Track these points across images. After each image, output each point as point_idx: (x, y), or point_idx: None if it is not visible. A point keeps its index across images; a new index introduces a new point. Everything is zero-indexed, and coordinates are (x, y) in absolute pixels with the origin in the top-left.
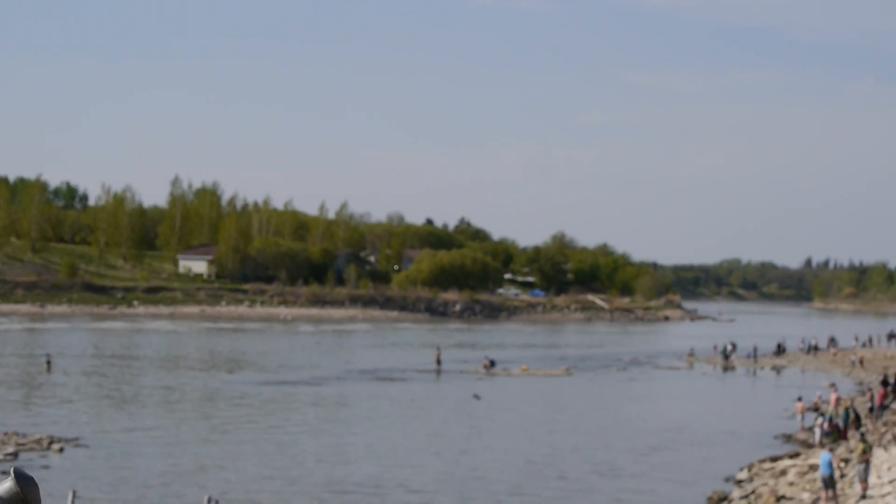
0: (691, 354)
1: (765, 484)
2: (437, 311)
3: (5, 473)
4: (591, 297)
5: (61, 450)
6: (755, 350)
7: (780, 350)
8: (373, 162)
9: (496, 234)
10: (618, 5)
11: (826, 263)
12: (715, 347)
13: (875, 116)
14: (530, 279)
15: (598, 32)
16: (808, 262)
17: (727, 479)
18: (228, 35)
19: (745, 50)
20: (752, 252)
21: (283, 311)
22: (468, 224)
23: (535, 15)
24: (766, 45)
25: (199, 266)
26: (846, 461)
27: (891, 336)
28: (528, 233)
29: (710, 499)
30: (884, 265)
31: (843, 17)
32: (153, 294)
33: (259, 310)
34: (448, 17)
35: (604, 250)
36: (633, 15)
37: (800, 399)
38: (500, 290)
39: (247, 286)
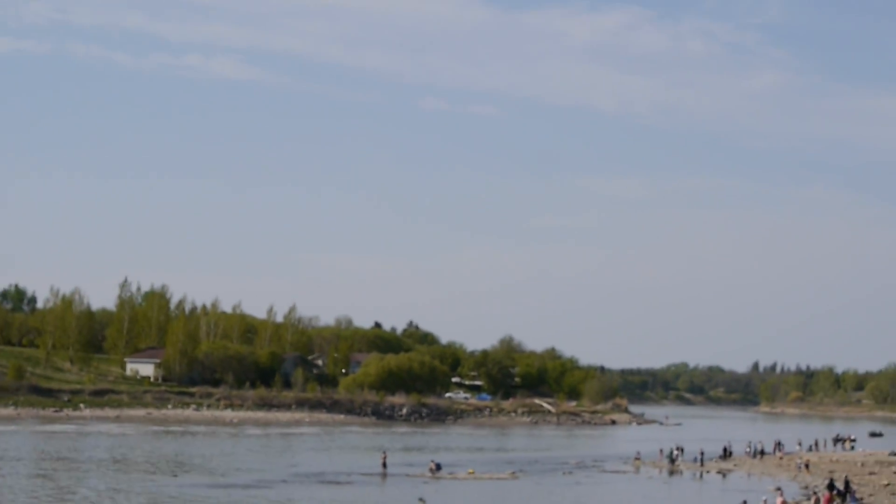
0: (638, 458)
1: None
2: (384, 415)
3: None
4: (538, 400)
5: None
6: (702, 454)
7: (726, 454)
8: (321, 265)
9: (444, 337)
10: (570, 111)
11: (773, 367)
12: (661, 451)
13: (824, 222)
14: (478, 383)
15: (550, 138)
16: (756, 366)
17: None
18: (178, 144)
19: (695, 156)
20: (699, 356)
21: (229, 414)
22: (416, 327)
23: (489, 120)
24: (715, 151)
25: (147, 369)
26: None
27: (837, 440)
28: (477, 336)
29: None
30: (830, 369)
31: (791, 125)
32: (100, 397)
33: (206, 413)
34: (403, 121)
35: (551, 354)
36: (586, 121)
37: (745, 503)
38: (450, 394)
39: (194, 389)
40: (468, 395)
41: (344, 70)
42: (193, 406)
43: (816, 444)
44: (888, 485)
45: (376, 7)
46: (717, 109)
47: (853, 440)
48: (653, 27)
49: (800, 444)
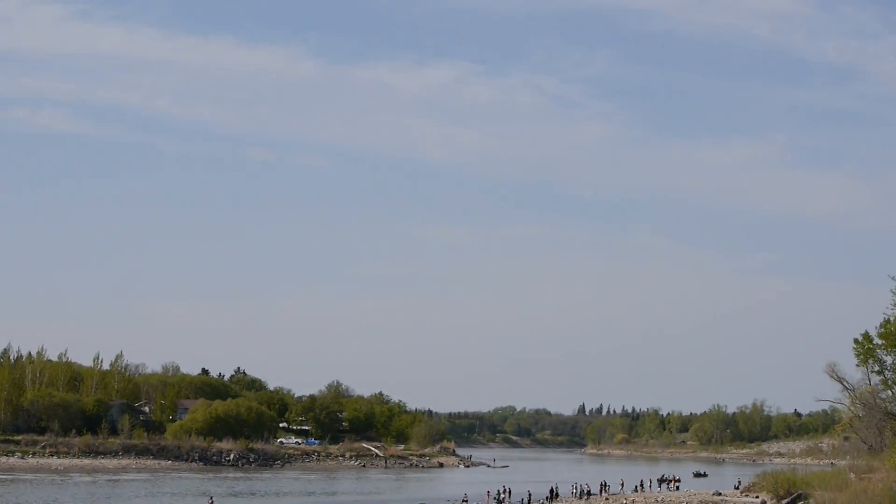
0: (465, 500)
1: None
2: (212, 460)
3: None
4: (366, 444)
5: None
6: (529, 495)
7: (553, 495)
8: (148, 312)
9: (272, 383)
10: (400, 163)
11: (599, 410)
12: (489, 493)
13: (648, 268)
14: (306, 427)
15: (380, 188)
16: (582, 409)
17: None
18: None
19: (523, 205)
20: (526, 399)
21: (55, 461)
22: (244, 374)
23: (318, 171)
24: (543, 200)
25: None
26: None
27: (662, 480)
28: (304, 382)
29: None
30: (655, 411)
31: (616, 174)
32: None
33: (31, 461)
34: (231, 171)
35: (379, 399)
36: (415, 172)
37: None
38: (282, 440)
39: (19, 437)
40: (300, 440)
41: (173, 122)
42: (19, 454)
43: (642, 484)
44: None
45: (205, 60)
46: (546, 160)
47: (678, 480)
48: (481, 81)
49: (622, 485)
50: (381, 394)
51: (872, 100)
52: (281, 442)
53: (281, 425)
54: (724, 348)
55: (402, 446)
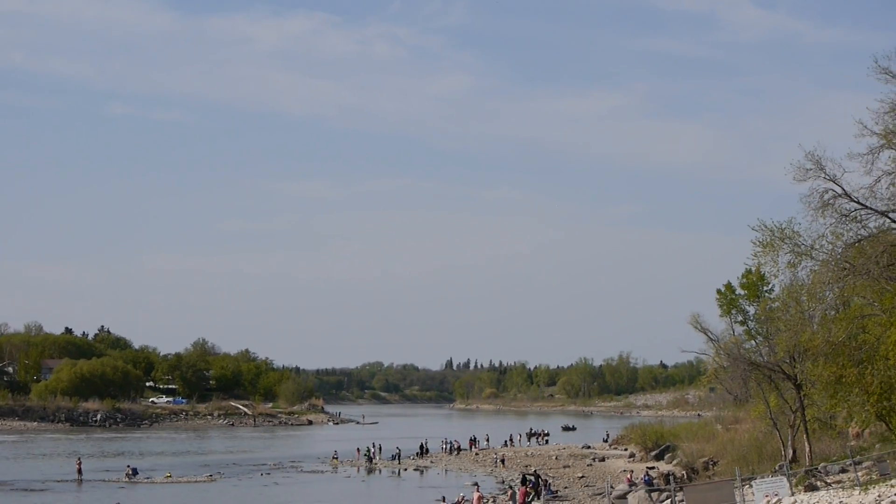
0: (335, 457)
1: None
2: (79, 421)
3: None
4: (233, 403)
5: None
6: (398, 451)
7: (422, 451)
8: (9, 271)
9: (137, 342)
10: (259, 116)
11: (467, 365)
12: (358, 450)
13: (512, 221)
14: (172, 387)
15: (239, 142)
16: (449, 364)
17: None
18: None
19: (385, 158)
20: (393, 355)
21: None
22: (108, 332)
23: (177, 125)
24: (405, 153)
25: None
26: None
27: (531, 434)
28: (170, 341)
29: None
30: (523, 365)
31: (477, 126)
32: None
33: None
34: (90, 127)
35: (245, 356)
36: (274, 125)
37: (443, 499)
38: (153, 399)
39: None
40: (170, 399)
41: (27, 76)
42: None
43: (511, 438)
44: (582, 477)
45: (59, 13)
46: (406, 112)
47: (547, 434)
48: (338, 32)
49: (487, 440)
50: (247, 351)
51: (730, 48)
52: (152, 402)
53: (147, 384)
54: (590, 301)
55: (270, 404)
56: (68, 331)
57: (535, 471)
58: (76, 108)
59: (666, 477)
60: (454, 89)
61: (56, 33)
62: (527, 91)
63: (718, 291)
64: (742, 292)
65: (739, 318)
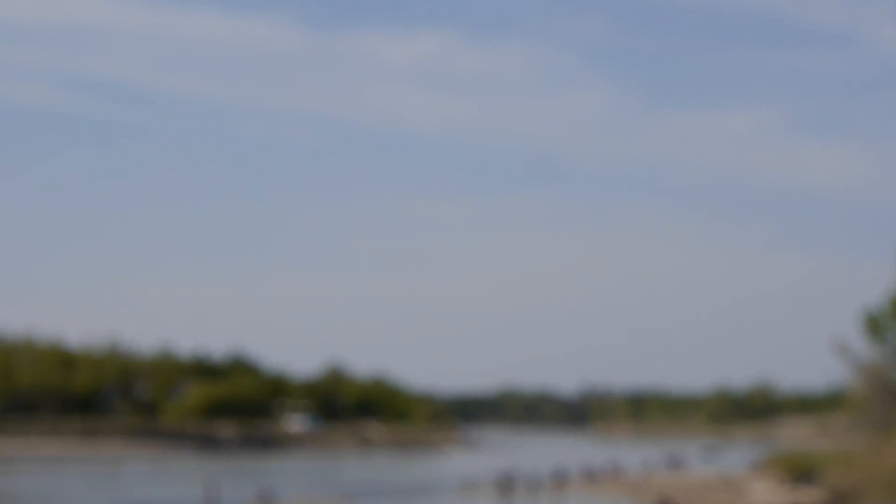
0: (470, 483)
1: None
2: (210, 443)
3: None
4: (366, 426)
5: None
6: (535, 477)
7: (560, 476)
8: (142, 293)
9: (270, 363)
10: (391, 134)
11: (604, 390)
12: (495, 475)
13: (647, 242)
14: (305, 409)
15: (371, 161)
16: (587, 389)
17: None
18: None
19: (519, 178)
20: (530, 380)
21: (49, 446)
22: (241, 354)
23: (308, 144)
24: (537, 171)
25: None
26: None
27: (669, 460)
28: (303, 362)
29: None
30: (661, 391)
31: (614, 146)
32: None
33: (24, 446)
34: (219, 146)
35: (380, 380)
36: (407, 144)
37: None
38: (290, 419)
39: (11, 423)
40: (300, 421)
41: (158, 94)
42: (11, 440)
43: (649, 465)
44: None
45: (190, 31)
46: (540, 131)
47: (685, 461)
48: (472, 50)
49: (625, 466)
50: (382, 374)
51: (874, 65)
52: (287, 423)
53: (280, 407)
54: (727, 324)
55: (404, 428)
56: (200, 352)
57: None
58: (206, 127)
59: None
60: (588, 108)
61: (187, 51)
62: (662, 110)
63: (862, 315)
64: (887, 316)
65: (884, 343)
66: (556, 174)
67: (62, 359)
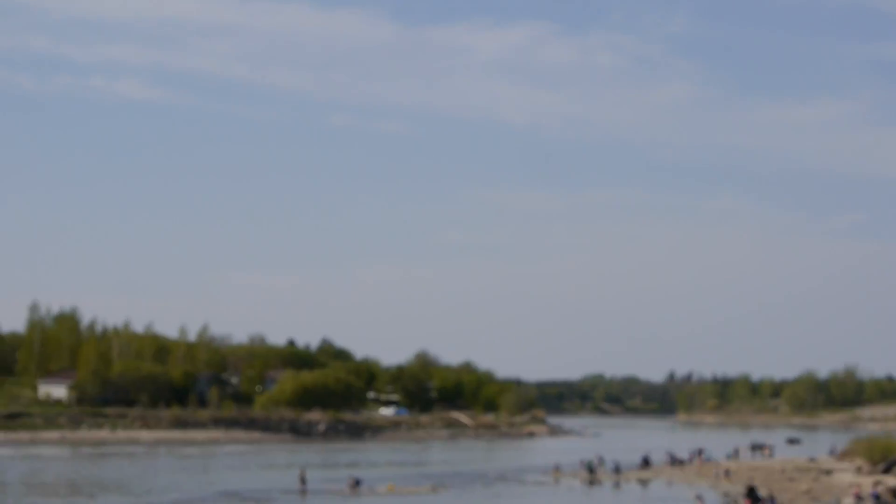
0: (557, 469)
1: None
2: (301, 432)
3: None
4: (455, 414)
5: None
6: (617, 464)
7: (645, 463)
8: (233, 284)
9: (359, 353)
10: (479, 126)
11: (689, 377)
12: (582, 462)
13: (734, 231)
14: (394, 398)
15: (460, 153)
16: (672, 376)
17: None
18: (83, 165)
19: (604, 169)
20: (615, 367)
21: (145, 434)
22: (330, 344)
23: (398, 136)
24: (625, 163)
25: (59, 391)
26: None
27: (755, 447)
28: (391, 351)
29: None
30: (746, 377)
31: (699, 136)
32: (12, 420)
33: (121, 434)
34: (311, 138)
35: (467, 368)
36: (495, 136)
37: None
38: (383, 410)
39: (108, 410)
40: (391, 408)
41: (250, 88)
42: (108, 427)
43: (735, 451)
44: (808, 491)
45: (281, 26)
46: (626, 122)
47: (771, 447)
48: (560, 41)
49: (700, 453)
50: (469, 362)
51: None
52: (381, 413)
53: (369, 396)
54: (814, 311)
55: (491, 415)
56: (291, 342)
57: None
58: (297, 120)
59: (894, 492)
60: (675, 98)
61: (278, 46)
62: (749, 99)
63: None
64: None
65: None
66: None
67: (157, 349)
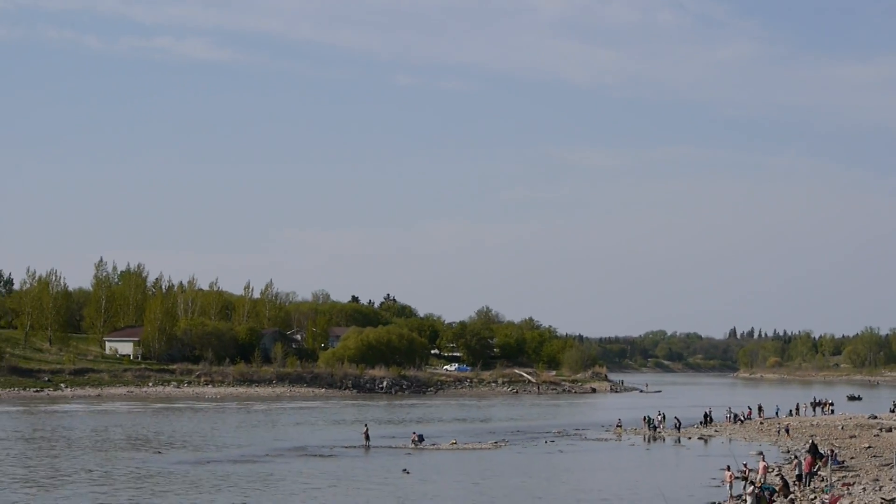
0: (619, 425)
1: None
2: (365, 388)
3: None
4: (517, 370)
5: None
6: (678, 421)
7: (707, 420)
8: (297, 241)
9: (422, 310)
10: (542, 85)
11: (750, 333)
12: (644, 418)
13: (795, 188)
14: (457, 354)
15: (522, 111)
16: (733, 333)
17: None
18: (150, 125)
19: (667, 126)
20: (676, 324)
21: (210, 390)
22: (393, 301)
23: (461, 95)
24: (687, 121)
25: (126, 347)
26: None
27: (816, 404)
28: (454, 308)
29: None
30: (807, 334)
31: (761, 93)
32: (80, 376)
33: (186, 389)
34: (376, 97)
35: (529, 324)
36: (558, 94)
37: (728, 468)
38: (447, 368)
39: (174, 366)
40: (455, 365)
41: (316, 48)
42: (174, 383)
43: (797, 408)
44: (869, 447)
45: None
46: (689, 80)
47: (832, 404)
48: (622, 0)
49: (760, 409)
50: (531, 319)
51: None
52: (446, 370)
53: (432, 352)
54: (875, 268)
55: (553, 372)
56: (355, 299)
57: (813, 442)
58: (362, 79)
59: None
60: (738, 56)
61: (344, 6)
62: (810, 57)
63: None
64: None
65: None
66: (704, 122)
67: (222, 305)
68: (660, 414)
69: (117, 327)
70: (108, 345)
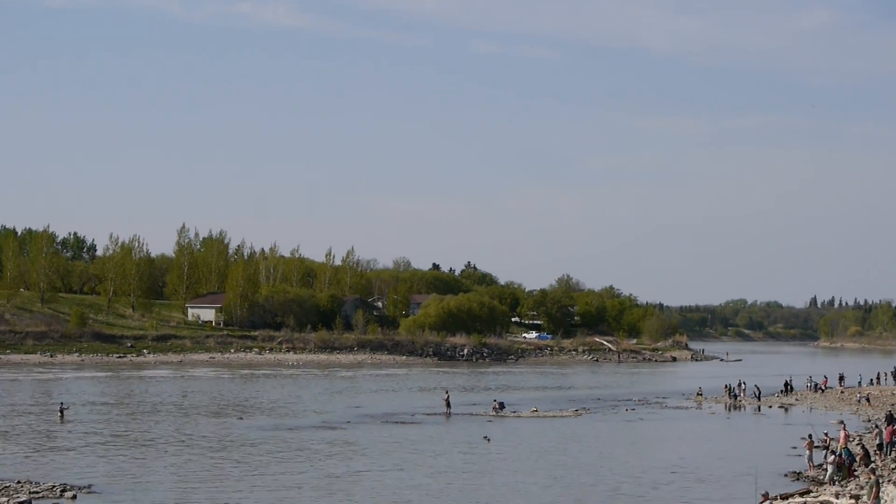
0: (699, 394)
1: None
2: (446, 355)
3: None
4: (598, 339)
5: (74, 497)
6: (758, 390)
7: (787, 388)
8: (379, 209)
9: (502, 277)
10: (623, 52)
11: (831, 302)
12: (726, 387)
13: (875, 157)
14: (537, 322)
15: (603, 79)
16: (814, 302)
17: None
18: (232, 91)
19: (748, 95)
20: (757, 292)
21: (291, 356)
22: (474, 268)
23: (540, 63)
24: (769, 89)
25: (208, 314)
26: (857, 497)
27: None
28: (534, 276)
29: None
30: (889, 303)
31: (843, 62)
32: (163, 342)
33: (268, 356)
34: (455, 64)
35: (610, 292)
36: (638, 61)
37: (809, 437)
38: (527, 336)
39: (255, 333)
40: (536, 333)
41: (395, 14)
42: (256, 350)
43: (878, 377)
44: None
45: None
46: (770, 48)
47: None
48: None
49: (841, 379)
50: (611, 287)
51: None
52: (525, 338)
53: (513, 320)
54: None
55: (634, 340)
56: (435, 266)
57: (890, 412)
58: (441, 46)
59: None
60: (819, 24)
61: None
62: (892, 25)
63: None
64: None
65: None
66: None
67: (304, 272)
68: (741, 383)
69: (199, 294)
70: (190, 311)
